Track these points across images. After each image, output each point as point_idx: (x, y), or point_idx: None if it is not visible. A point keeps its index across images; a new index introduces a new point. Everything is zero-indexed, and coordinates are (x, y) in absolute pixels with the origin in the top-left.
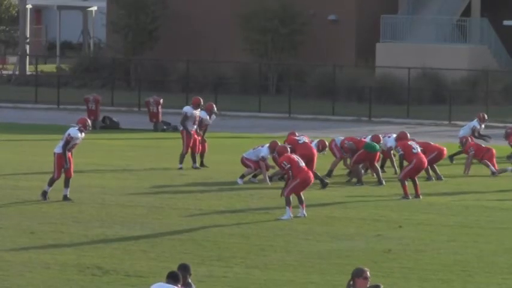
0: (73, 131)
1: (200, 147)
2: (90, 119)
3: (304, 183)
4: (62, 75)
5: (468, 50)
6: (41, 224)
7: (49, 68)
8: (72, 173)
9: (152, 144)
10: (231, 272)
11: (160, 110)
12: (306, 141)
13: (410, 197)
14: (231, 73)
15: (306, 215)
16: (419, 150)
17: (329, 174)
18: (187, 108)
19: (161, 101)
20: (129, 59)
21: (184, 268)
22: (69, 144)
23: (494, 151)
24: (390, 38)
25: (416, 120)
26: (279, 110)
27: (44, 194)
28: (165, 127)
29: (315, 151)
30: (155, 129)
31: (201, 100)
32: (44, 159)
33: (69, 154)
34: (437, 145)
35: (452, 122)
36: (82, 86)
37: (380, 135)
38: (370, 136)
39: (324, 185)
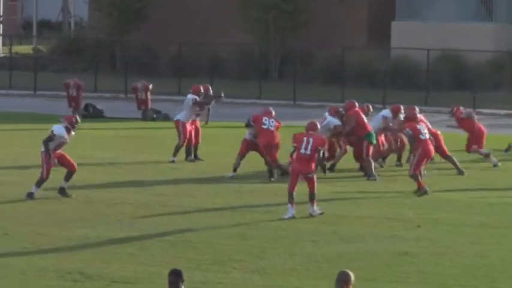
0: (57, 128)
1: (194, 138)
2: (71, 106)
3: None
4: (39, 57)
5: (494, 30)
6: (16, 224)
7: (25, 49)
8: (75, 166)
9: (140, 134)
10: (228, 277)
11: (149, 96)
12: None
13: (427, 189)
14: (228, 56)
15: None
16: (427, 136)
17: (332, 168)
18: (191, 96)
19: (150, 86)
20: (114, 40)
21: (176, 274)
22: (52, 141)
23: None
24: (406, 16)
25: (436, 108)
26: (282, 97)
27: (30, 195)
28: (154, 115)
29: (277, 140)
30: (144, 118)
31: (202, 88)
32: (19, 150)
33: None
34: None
35: (476, 110)
36: (62, 70)
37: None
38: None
39: (283, 173)
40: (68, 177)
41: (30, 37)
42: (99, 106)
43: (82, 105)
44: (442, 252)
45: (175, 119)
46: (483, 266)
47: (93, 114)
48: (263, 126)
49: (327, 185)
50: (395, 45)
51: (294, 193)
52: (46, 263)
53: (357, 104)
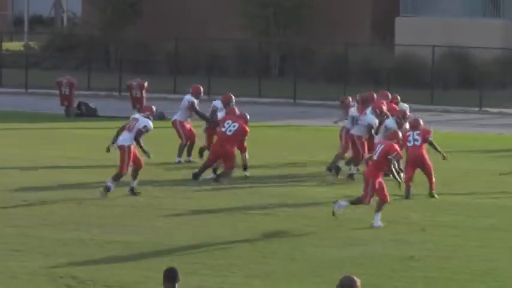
0: (146, 122)
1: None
2: (63, 105)
3: None
4: (30, 54)
5: (502, 26)
6: (7, 226)
7: (16, 46)
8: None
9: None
10: (227, 282)
11: (144, 94)
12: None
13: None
14: (227, 52)
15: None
16: (416, 143)
17: (337, 170)
18: (189, 97)
19: (145, 84)
20: (108, 36)
21: (171, 271)
22: (141, 136)
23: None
24: (411, 12)
25: (442, 107)
26: (283, 95)
27: (108, 189)
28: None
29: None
30: None
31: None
32: (10, 151)
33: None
34: None
35: (483, 109)
36: (54, 67)
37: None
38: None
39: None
40: (135, 176)
41: (21, 33)
42: (92, 105)
43: (75, 104)
44: (449, 257)
45: (172, 120)
46: (491, 271)
47: (86, 113)
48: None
49: (329, 188)
50: (400, 41)
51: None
52: (38, 267)
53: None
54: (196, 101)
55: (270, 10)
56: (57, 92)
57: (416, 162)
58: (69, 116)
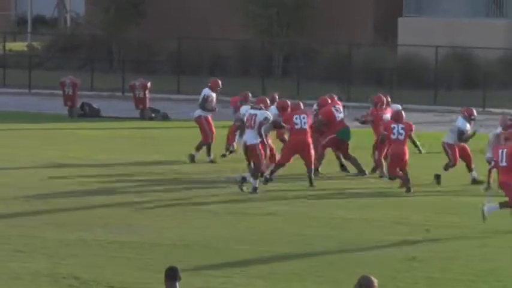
0: (267, 113)
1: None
2: (66, 105)
3: None
4: (33, 54)
5: (505, 26)
6: (9, 226)
7: (19, 46)
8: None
9: (138, 134)
10: (230, 282)
11: (147, 95)
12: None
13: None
14: (230, 52)
15: None
16: (400, 137)
17: (345, 168)
18: (206, 91)
19: (148, 84)
20: (111, 36)
21: (172, 270)
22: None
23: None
24: (414, 12)
25: (445, 107)
26: (286, 95)
27: (254, 189)
28: (153, 115)
29: None
30: (142, 117)
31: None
32: (13, 151)
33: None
34: None
35: (487, 109)
36: (57, 68)
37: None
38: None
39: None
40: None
41: (24, 33)
42: (95, 105)
43: (78, 104)
44: (451, 257)
45: (195, 116)
46: (493, 271)
47: (89, 113)
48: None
49: (330, 185)
50: (403, 42)
51: None
52: (40, 267)
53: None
54: (213, 95)
55: (272, 10)
56: (60, 92)
57: (398, 158)
58: (73, 117)
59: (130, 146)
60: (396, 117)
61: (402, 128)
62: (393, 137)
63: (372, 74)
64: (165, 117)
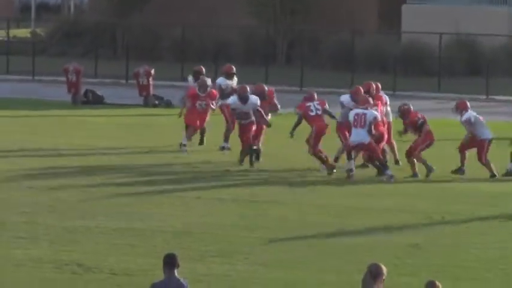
0: (376, 114)
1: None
2: (70, 92)
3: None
4: (37, 41)
5: (508, 14)
6: (12, 213)
7: (22, 33)
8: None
9: (142, 121)
10: (233, 270)
11: (151, 82)
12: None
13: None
14: (234, 39)
15: None
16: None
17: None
18: (221, 80)
19: (152, 71)
20: (115, 23)
21: (170, 257)
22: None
23: None
24: None
25: (449, 95)
26: (290, 83)
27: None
28: (156, 102)
29: None
30: (145, 104)
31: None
32: (16, 138)
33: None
34: None
35: (490, 97)
36: (61, 54)
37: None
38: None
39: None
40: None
41: (28, 20)
42: (99, 92)
43: (82, 91)
44: (454, 244)
45: (218, 104)
46: (498, 259)
47: (93, 100)
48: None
49: (334, 174)
50: (407, 29)
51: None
52: (43, 254)
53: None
54: (228, 83)
55: None
56: (64, 79)
57: (322, 132)
58: (76, 104)
59: (134, 133)
60: (309, 97)
61: (318, 104)
62: (312, 114)
63: (375, 61)
64: (168, 105)
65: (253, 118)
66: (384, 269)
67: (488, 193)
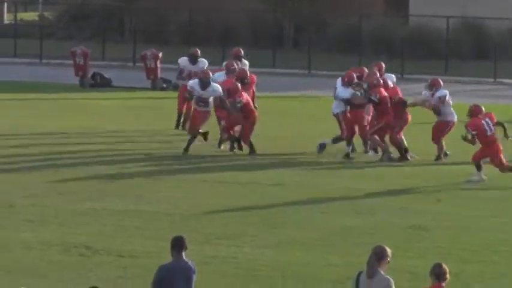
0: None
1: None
2: (78, 75)
3: None
4: (44, 25)
5: None
6: (21, 196)
7: (30, 16)
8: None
9: (150, 104)
10: (240, 252)
11: (159, 65)
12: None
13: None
14: (241, 23)
15: None
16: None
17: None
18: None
19: (160, 54)
20: (123, 6)
21: (178, 239)
22: None
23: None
24: None
25: (456, 78)
26: (297, 66)
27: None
28: (164, 85)
29: None
30: (153, 88)
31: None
32: (25, 122)
33: None
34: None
35: (498, 80)
36: (68, 38)
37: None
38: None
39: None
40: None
41: (35, 3)
42: (106, 75)
43: (89, 74)
44: (461, 226)
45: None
46: (504, 241)
47: (100, 83)
48: None
49: (337, 158)
50: (414, 12)
51: None
52: (51, 237)
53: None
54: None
55: None
56: (71, 62)
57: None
58: (84, 86)
59: (142, 116)
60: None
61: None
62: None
63: (383, 44)
64: (176, 88)
65: (209, 108)
66: (389, 251)
67: (497, 175)
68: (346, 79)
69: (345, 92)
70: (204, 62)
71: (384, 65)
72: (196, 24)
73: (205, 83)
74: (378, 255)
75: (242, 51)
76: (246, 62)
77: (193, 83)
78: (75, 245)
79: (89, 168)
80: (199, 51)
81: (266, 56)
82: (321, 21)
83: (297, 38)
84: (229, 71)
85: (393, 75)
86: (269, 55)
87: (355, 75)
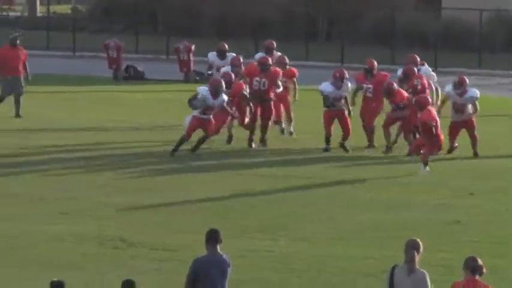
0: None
1: None
2: (111, 68)
3: None
4: (77, 17)
5: None
6: (53, 189)
7: (63, 9)
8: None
9: (182, 97)
10: (275, 245)
11: (191, 57)
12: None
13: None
14: (273, 16)
15: None
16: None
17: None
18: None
19: (193, 47)
20: None
21: (213, 232)
22: None
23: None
24: None
25: (489, 71)
26: (330, 59)
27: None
28: (197, 77)
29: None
30: (186, 80)
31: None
32: (58, 115)
33: None
34: None
35: None
36: (101, 30)
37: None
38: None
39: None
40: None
41: None
42: (140, 68)
43: (123, 67)
44: (495, 221)
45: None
46: None
47: (133, 76)
48: None
49: (375, 152)
50: (446, 5)
51: None
52: (85, 230)
53: None
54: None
55: None
56: (104, 55)
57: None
58: (117, 79)
59: (175, 109)
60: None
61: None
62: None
63: (415, 37)
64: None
65: (210, 116)
66: (421, 244)
67: None
68: (337, 75)
69: (327, 87)
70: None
71: (418, 58)
72: (228, 17)
73: (218, 92)
74: (417, 249)
75: (274, 44)
76: (279, 54)
77: (206, 92)
78: (109, 238)
79: (123, 161)
80: (227, 46)
81: (299, 49)
82: (354, 14)
83: (329, 30)
84: (234, 65)
85: (429, 68)
86: (302, 48)
87: (346, 72)
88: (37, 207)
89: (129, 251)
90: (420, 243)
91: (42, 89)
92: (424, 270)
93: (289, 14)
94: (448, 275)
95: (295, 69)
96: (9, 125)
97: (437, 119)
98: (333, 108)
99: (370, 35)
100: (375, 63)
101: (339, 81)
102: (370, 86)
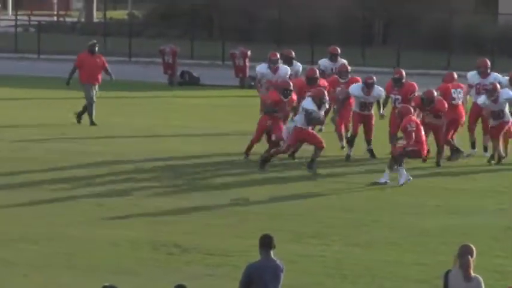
0: None
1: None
2: (166, 74)
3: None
4: (134, 23)
5: None
6: (109, 195)
7: (119, 14)
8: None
9: (239, 103)
10: (329, 250)
11: (247, 63)
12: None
13: None
14: (330, 20)
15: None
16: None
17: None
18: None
19: (248, 52)
20: (211, 4)
21: (267, 237)
22: None
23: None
24: None
25: None
26: (386, 64)
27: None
28: (253, 83)
29: None
30: (242, 85)
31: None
32: (114, 120)
33: None
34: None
35: None
36: (157, 36)
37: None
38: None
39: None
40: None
41: (125, 2)
42: (195, 73)
43: (178, 72)
44: None
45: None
46: None
47: (189, 81)
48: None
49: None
50: (504, 11)
51: None
52: (139, 235)
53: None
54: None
55: None
56: (160, 60)
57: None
58: (173, 85)
59: (230, 115)
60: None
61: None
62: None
63: (472, 42)
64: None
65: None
66: (474, 249)
67: None
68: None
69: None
70: (285, 69)
71: (489, 63)
72: (284, 21)
73: (322, 103)
74: (471, 254)
75: (339, 50)
76: (343, 61)
77: (312, 105)
78: (164, 244)
79: (178, 166)
80: (278, 55)
81: (355, 53)
82: (410, 18)
83: (386, 34)
84: (271, 61)
85: (499, 75)
86: (358, 52)
87: (374, 78)
88: (90, 212)
89: (183, 257)
90: (473, 248)
91: (98, 94)
92: (478, 276)
93: (345, 17)
94: (503, 281)
95: (359, 78)
96: (70, 131)
97: (418, 122)
98: (361, 112)
99: (426, 39)
100: (403, 72)
101: (366, 88)
102: (399, 96)
